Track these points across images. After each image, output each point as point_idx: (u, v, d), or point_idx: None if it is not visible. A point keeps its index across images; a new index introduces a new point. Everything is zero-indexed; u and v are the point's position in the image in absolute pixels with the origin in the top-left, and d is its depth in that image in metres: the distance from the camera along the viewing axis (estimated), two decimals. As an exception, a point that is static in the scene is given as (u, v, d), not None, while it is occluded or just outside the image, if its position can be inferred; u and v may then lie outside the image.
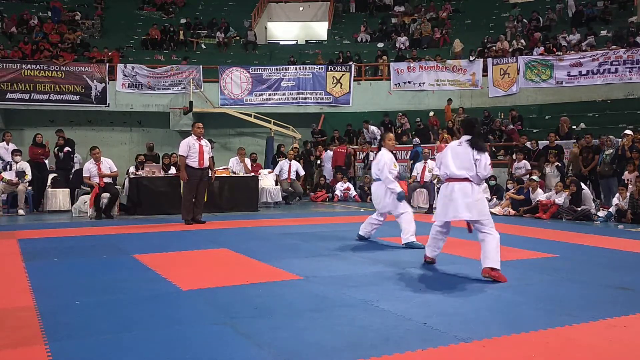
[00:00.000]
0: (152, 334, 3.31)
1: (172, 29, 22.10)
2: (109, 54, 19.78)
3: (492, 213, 10.65)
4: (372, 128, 16.75)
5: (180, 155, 8.92)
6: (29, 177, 10.85)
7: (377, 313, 3.74)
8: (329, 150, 15.75)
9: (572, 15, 20.22)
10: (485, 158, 4.88)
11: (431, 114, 17.47)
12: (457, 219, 5.01)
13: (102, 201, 10.02)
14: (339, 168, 15.04)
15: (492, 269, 4.71)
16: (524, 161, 11.95)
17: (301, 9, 25.63)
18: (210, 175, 9.24)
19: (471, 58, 18.26)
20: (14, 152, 11.10)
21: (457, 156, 4.97)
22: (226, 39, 22.06)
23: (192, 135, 9.04)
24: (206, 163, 9.00)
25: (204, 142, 9.11)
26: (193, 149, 8.81)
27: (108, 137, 18.98)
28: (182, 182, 9.07)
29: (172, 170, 11.74)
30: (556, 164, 11.70)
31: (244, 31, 22.56)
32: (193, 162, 8.83)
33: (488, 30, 21.13)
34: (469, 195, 4.86)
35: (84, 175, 10.17)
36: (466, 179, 4.89)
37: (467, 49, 19.44)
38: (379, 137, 16.68)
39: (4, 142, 11.58)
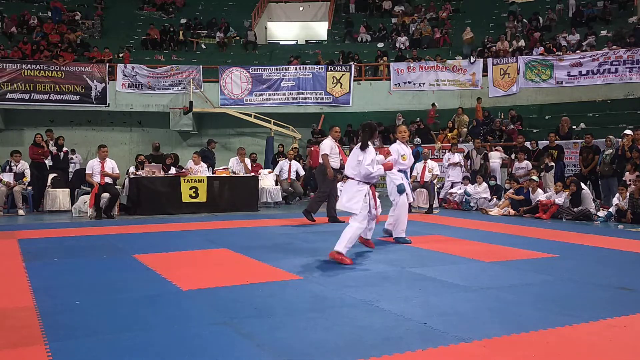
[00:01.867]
0: (152, 334, 3.31)
1: (172, 29, 22.10)
2: (117, 55, 19.78)
3: (491, 214, 10.77)
4: None
5: (325, 154, 9.10)
6: (27, 179, 10.85)
7: (377, 313, 3.74)
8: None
9: (572, 15, 20.22)
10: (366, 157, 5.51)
11: (436, 104, 17.54)
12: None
13: (102, 201, 10.02)
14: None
15: (338, 252, 5.44)
16: (525, 161, 11.95)
17: (301, 9, 25.63)
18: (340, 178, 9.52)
19: (472, 59, 18.26)
20: (12, 154, 11.08)
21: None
22: (226, 39, 22.05)
23: (330, 137, 9.31)
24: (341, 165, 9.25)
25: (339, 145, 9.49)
26: (334, 151, 9.12)
27: (108, 137, 18.97)
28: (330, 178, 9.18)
29: (173, 170, 11.74)
30: (551, 164, 11.76)
31: (244, 31, 22.56)
32: (334, 163, 9.06)
33: (488, 30, 21.13)
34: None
35: (86, 172, 10.18)
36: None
37: (466, 49, 19.46)
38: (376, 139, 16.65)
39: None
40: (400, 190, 6.72)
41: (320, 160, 9.09)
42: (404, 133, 7.28)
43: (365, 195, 5.60)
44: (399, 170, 6.88)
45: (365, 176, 5.54)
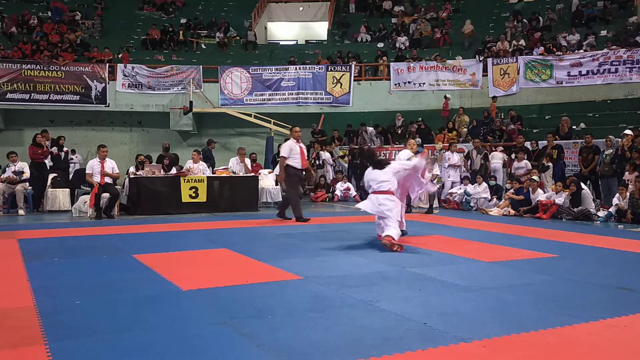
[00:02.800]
0: (152, 334, 3.31)
1: (172, 29, 22.09)
2: (117, 56, 19.78)
3: (491, 214, 10.76)
4: (370, 129, 16.86)
5: (281, 156, 9.48)
6: (26, 174, 10.83)
7: (377, 313, 3.74)
8: (325, 152, 15.70)
9: (572, 15, 20.22)
10: None
11: (448, 96, 17.62)
12: None
13: (102, 201, 10.02)
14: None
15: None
16: (525, 161, 11.95)
17: (301, 9, 25.63)
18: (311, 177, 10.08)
19: (479, 59, 18.24)
20: (9, 154, 11.06)
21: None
22: (226, 39, 22.05)
23: (292, 138, 9.63)
24: (306, 164, 9.59)
25: (302, 145, 9.69)
26: (295, 151, 9.35)
27: (108, 137, 18.97)
28: (282, 181, 9.68)
29: (173, 170, 11.74)
30: (548, 164, 11.75)
31: (244, 31, 22.56)
32: (296, 163, 9.33)
33: (488, 30, 21.13)
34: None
35: (86, 172, 10.18)
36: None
37: (467, 42, 19.43)
38: (375, 139, 16.75)
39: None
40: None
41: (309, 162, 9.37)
42: (411, 146, 7.97)
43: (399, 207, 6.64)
44: None
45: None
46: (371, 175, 6.69)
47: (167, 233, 7.97)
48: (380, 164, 6.71)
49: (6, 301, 4.06)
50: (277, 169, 13.61)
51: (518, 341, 3.18)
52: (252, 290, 4.37)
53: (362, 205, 6.66)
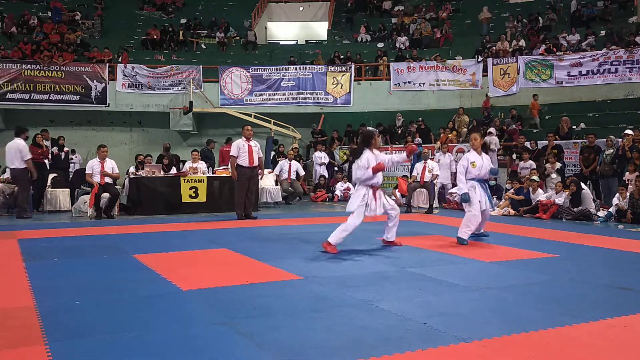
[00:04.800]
0: (152, 334, 3.31)
1: (172, 29, 22.10)
2: (116, 56, 19.77)
3: (490, 214, 10.73)
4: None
5: (231, 155, 9.78)
6: None
7: (377, 313, 3.74)
8: (318, 151, 15.62)
9: (572, 15, 20.21)
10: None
11: (489, 93, 17.43)
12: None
13: (102, 201, 10.02)
14: None
15: (328, 242, 6.12)
16: (530, 161, 11.92)
17: (301, 9, 25.63)
18: (259, 172, 10.17)
19: (479, 59, 18.23)
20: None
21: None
22: (226, 39, 22.05)
23: (242, 137, 9.87)
24: (255, 162, 9.76)
25: (253, 142, 9.92)
26: (243, 150, 9.64)
27: (108, 137, 18.97)
28: (234, 180, 9.80)
29: (173, 170, 11.74)
30: (557, 164, 11.67)
31: (244, 31, 22.56)
32: (243, 162, 9.60)
33: (488, 30, 21.12)
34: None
35: (86, 172, 10.18)
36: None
37: (467, 49, 19.45)
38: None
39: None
40: (464, 199, 6.95)
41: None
42: (475, 141, 7.13)
43: (363, 196, 6.12)
44: (471, 179, 6.98)
45: (357, 179, 6.19)
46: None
47: (167, 233, 7.97)
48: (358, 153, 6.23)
49: (6, 301, 4.06)
50: (277, 169, 13.68)
51: (518, 341, 3.18)
52: (252, 290, 4.37)
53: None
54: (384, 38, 22.02)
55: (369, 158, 6.13)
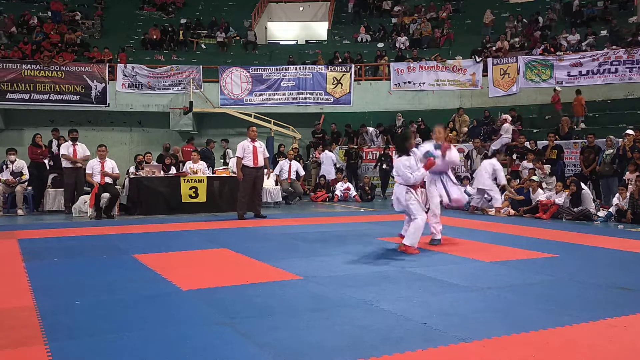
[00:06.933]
0: (152, 334, 3.32)
1: (172, 29, 22.09)
2: (116, 56, 19.77)
3: (491, 214, 10.76)
4: (370, 130, 16.87)
5: (237, 156, 9.92)
6: (26, 176, 10.83)
7: (377, 313, 3.74)
8: (327, 151, 15.69)
9: (571, 14, 20.21)
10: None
11: (558, 88, 16.12)
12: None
13: (102, 201, 10.02)
14: None
15: (404, 244, 6.10)
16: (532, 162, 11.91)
17: (301, 9, 25.62)
18: (267, 172, 10.35)
19: (477, 59, 18.23)
20: (8, 150, 11.06)
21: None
22: (226, 39, 22.05)
23: (247, 138, 9.97)
24: (260, 162, 9.89)
25: (258, 143, 10.04)
26: (248, 150, 9.76)
27: (108, 137, 18.93)
28: (240, 180, 9.89)
29: (173, 170, 11.73)
30: (546, 167, 11.67)
31: (244, 31, 22.56)
32: (248, 162, 9.74)
33: (488, 30, 21.11)
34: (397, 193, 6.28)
35: (86, 172, 10.19)
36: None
37: (467, 49, 19.45)
38: (375, 139, 16.76)
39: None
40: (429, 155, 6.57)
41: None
42: (438, 134, 7.38)
43: (416, 199, 6.20)
44: (432, 172, 6.75)
45: (406, 181, 6.12)
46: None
47: (167, 233, 7.97)
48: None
49: (6, 301, 4.06)
50: (277, 169, 13.68)
51: (518, 341, 3.18)
52: (252, 290, 4.37)
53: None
54: (384, 38, 22.03)
55: (410, 160, 6.19)
